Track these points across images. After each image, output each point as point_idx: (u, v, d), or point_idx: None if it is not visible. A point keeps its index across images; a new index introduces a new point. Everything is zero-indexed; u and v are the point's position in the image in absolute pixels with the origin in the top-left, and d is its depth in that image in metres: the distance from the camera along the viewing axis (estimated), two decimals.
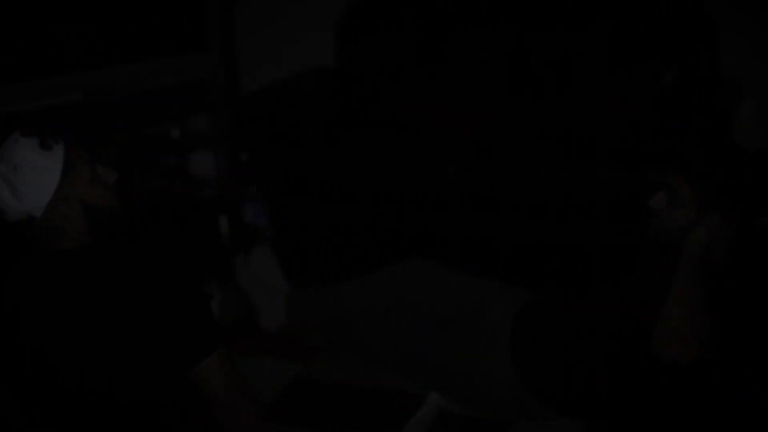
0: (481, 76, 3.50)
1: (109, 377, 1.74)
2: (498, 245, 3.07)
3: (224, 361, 1.77)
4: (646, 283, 2.17)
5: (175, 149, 3.79)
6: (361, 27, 3.68)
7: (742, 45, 3.41)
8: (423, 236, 3.09)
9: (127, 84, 3.28)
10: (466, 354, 2.36)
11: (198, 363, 1.74)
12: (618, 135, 3.10)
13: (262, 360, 2.63)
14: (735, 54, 3.37)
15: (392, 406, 2.47)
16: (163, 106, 3.48)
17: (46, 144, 1.72)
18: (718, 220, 2.10)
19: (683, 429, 2.24)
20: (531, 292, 2.50)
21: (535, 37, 3.47)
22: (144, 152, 3.65)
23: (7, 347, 1.74)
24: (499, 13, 3.51)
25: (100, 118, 3.24)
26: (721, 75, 3.31)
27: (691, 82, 3.21)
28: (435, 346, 2.43)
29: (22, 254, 1.79)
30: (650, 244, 2.35)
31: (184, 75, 3.47)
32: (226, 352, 1.78)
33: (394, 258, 2.78)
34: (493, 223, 3.11)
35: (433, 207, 3.17)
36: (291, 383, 2.58)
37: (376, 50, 3.64)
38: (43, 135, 1.73)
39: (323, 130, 3.35)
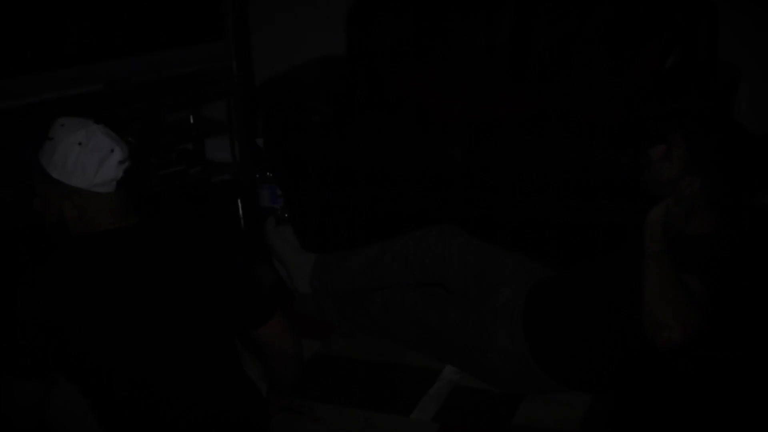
0: (485, 60, 3.52)
1: (179, 349, 1.87)
2: (503, 225, 3.11)
3: (285, 318, 2.04)
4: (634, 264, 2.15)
5: (191, 135, 3.86)
6: (369, 14, 3.71)
7: (741, 29, 3.43)
8: (431, 217, 3.13)
9: (147, 73, 3.35)
10: (481, 329, 2.38)
11: (266, 323, 2.00)
12: (618, 118, 3.11)
13: None
14: (734, 38, 3.39)
15: (408, 381, 2.50)
16: (181, 94, 3.54)
17: None
18: (698, 183, 2.14)
19: (684, 404, 2.32)
20: (547, 268, 2.54)
21: (537, 21, 3.50)
22: (162, 138, 3.73)
23: (78, 325, 1.79)
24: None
25: (121, 104, 3.32)
26: (720, 59, 3.32)
27: (690, 65, 3.22)
28: (449, 322, 2.45)
29: (76, 238, 1.87)
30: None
31: (200, 64, 3.52)
32: (283, 310, 2.04)
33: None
34: (498, 204, 3.14)
35: (440, 188, 3.21)
36: (310, 359, 2.61)
37: (385, 37, 3.67)
38: None
39: (334, 116, 3.39)
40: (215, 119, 3.96)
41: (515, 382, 2.38)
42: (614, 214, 2.99)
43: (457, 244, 2.61)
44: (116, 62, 3.27)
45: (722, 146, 2.19)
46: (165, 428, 1.88)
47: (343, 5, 3.75)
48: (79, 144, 1.81)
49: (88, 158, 1.81)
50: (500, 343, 2.34)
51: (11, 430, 1.86)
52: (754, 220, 2.53)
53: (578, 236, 3.08)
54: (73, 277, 1.80)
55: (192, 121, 3.87)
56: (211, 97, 3.81)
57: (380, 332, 2.66)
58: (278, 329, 2.04)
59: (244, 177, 3.82)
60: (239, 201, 3.80)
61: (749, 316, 2.51)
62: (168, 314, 1.85)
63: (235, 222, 3.73)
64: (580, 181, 3.02)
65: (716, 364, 2.45)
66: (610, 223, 2.99)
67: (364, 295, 2.71)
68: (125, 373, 1.83)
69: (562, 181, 3.06)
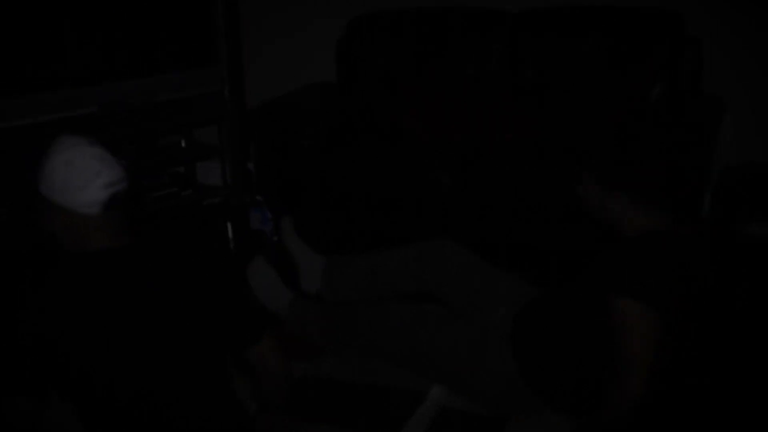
0: (474, 87, 3.57)
1: (170, 366, 1.88)
2: (490, 250, 3.14)
3: (274, 338, 2.06)
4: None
5: (183, 158, 3.89)
6: (359, 42, 3.77)
7: (725, 62, 3.50)
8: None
9: (141, 97, 3.38)
10: (471, 349, 2.39)
11: (255, 344, 2.02)
12: (606, 145, 3.18)
13: None
14: (718, 71, 3.46)
15: (395, 402, 2.51)
16: (174, 118, 3.57)
17: None
18: (624, 198, 2.24)
19: (671, 423, 2.33)
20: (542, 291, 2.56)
21: (527, 52, 3.56)
22: (154, 161, 3.76)
23: (69, 344, 1.80)
24: (492, 28, 3.61)
25: (114, 127, 3.34)
26: (705, 91, 3.38)
27: (674, 97, 3.28)
28: (438, 341, 2.46)
29: (70, 257, 1.88)
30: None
31: (193, 88, 3.55)
32: (272, 331, 2.06)
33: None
34: (485, 229, 3.18)
35: (429, 213, 3.24)
36: (299, 380, 2.62)
37: (374, 64, 3.72)
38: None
39: (325, 142, 3.42)
40: (207, 143, 3.99)
41: (503, 402, 2.39)
42: (603, 239, 3.01)
43: (455, 260, 2.66)
44: (111, 86, 3.28)
45: (621, 160, 2.28)
46: None
47: (335, 33, 3.79)
48: (66, 164, 1.81)
49: (72, 179, 1.81)
50: (489, 363, 2.36)
51: None
52: (745, 248, 2.57)
53: (564, 262, 3.09)
54: (67, 296, 1.82)
55: (184, 144, 3.90)
56: (204, 122, 3.84)
57: (366, 350, 2.67)
58: (267, 350, 2.07)
59: (235, 200, 3.84)
60: (229, 224, 3.82)
61: (723, 329, 2.55)
62: (158, 334, 1.86)
63: (225, 244, 3.75)
64: (567, 207, 3.05)
65: (701, 390, 2.47)
66: (597, 248, 3.00)
67: (352, 310, 2.72)
68: (116, 391, 1.84)
69: (549, 206, 3.09)
